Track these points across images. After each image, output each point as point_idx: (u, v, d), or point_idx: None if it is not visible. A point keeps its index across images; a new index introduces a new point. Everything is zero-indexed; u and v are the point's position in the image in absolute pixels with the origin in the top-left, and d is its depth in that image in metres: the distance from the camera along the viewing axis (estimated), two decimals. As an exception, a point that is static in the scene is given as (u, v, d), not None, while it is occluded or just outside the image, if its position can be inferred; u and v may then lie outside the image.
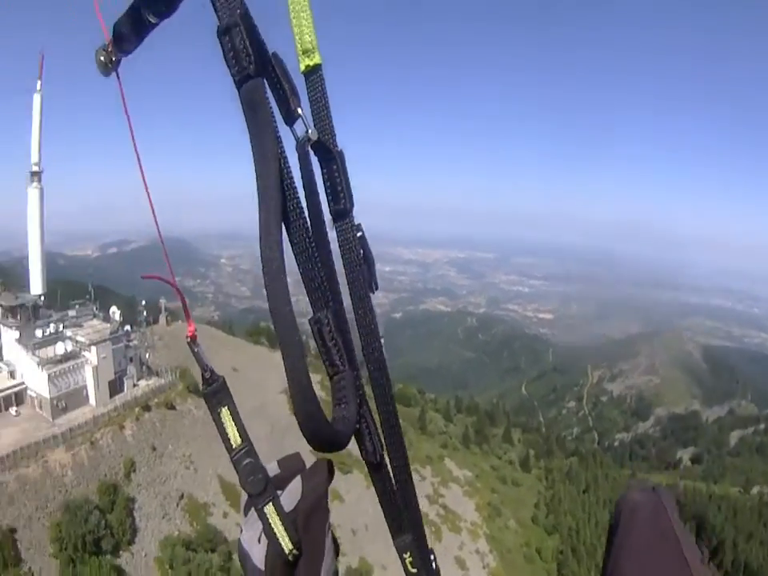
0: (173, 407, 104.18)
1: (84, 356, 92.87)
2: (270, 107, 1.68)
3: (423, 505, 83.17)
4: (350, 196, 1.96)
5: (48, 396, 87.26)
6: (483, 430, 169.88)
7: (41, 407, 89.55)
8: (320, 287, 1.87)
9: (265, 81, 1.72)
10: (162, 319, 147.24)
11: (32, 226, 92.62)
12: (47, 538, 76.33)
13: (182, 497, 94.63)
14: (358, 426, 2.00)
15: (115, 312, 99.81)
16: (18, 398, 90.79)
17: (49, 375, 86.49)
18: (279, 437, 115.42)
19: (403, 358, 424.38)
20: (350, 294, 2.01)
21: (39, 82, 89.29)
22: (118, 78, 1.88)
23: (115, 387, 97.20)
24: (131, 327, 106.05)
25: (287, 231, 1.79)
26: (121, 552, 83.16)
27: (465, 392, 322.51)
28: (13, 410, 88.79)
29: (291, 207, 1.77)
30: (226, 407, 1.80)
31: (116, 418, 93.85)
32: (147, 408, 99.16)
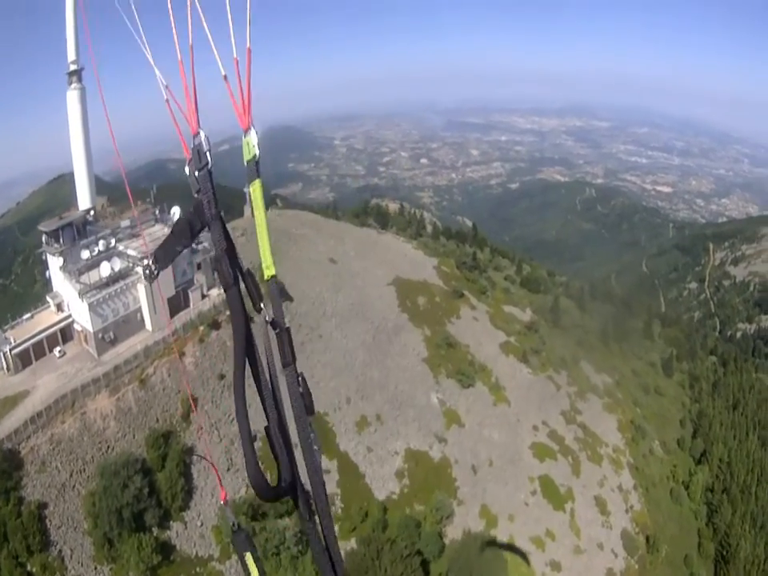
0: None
1: (137, 273, 79.53)
2: (243, 306, 3.01)
3: (559, 424, 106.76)
4: (293, 353, 3.06)
5: (91, 329, 75.28)
6: (623, 324, 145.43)
7: (87, 342, 77.81)
8: (269, 407, 3.17)
9: (241, 287, 3.14)
10: (247, 210, 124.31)
11: (74, 133, 79.89)
12: (82, 510, 65.40)
13: (254, 438, 72.59)
14: (288, 493, 3.17)
15: (176, 212, 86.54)
16: (65, 334, 78.95)
17: (90, 304, 74.23)
18: (384, 343, 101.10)
19: (520, 229, 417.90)
20: (294, 417, 3.06)
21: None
22: (158, 283, 3.93)
23: (179, 303, 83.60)
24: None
25: (252, 374, 3.24)
26: (171, 523, 70.92)
27: (582, 264, 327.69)
28: (57, 350, 77.08)
29: (254, 360, 3.22)
30: (249, 553, 2.99)
31: (175, 343, 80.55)
32: (215, 325, 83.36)
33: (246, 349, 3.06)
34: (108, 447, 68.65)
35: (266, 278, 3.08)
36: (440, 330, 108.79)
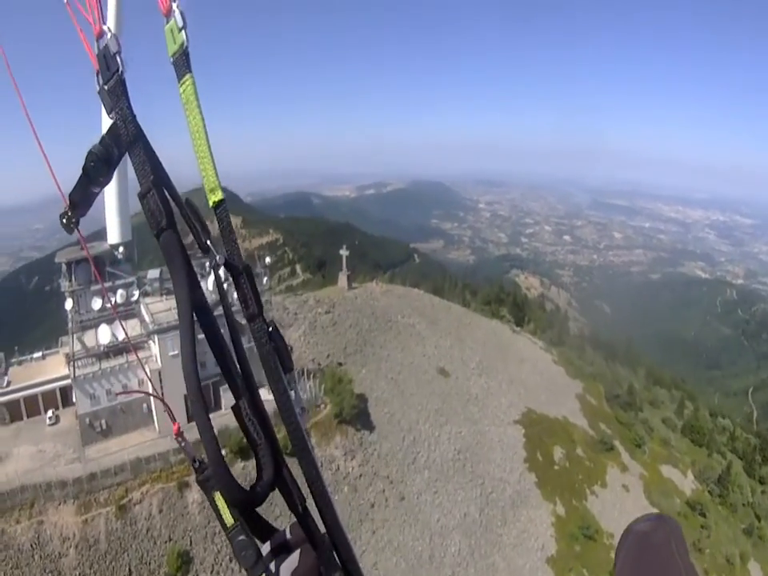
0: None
1: (147, 347, 61.20)
2: (182, 251, 2.06)
3: None
4: (258, 301, 2.19)
5: (78, 410, 58.10)
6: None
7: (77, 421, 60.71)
8: (237, 381, 2.23)
9: (182, 224, 2.18)
10: (343, 278, 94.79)
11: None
12: None
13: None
14: (275, 486, 2.23)
15: (153, 275, 66.24)
16: (66, 396, 61.87)
17: (76, 378, 56.40)
18: (495, 522, 64.75)
19: (659, 323, 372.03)
20: (266, 378, 2.18)
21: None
22: (80, 233, 2.24)
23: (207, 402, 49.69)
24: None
25: (207, 340, 2.20)
26: None
27: (718, 374, 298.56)
28: (49, 414, 60.73)
29: (207, 321, 2.18)
30: (219, 491, 2.12)
31: (180, 463, 56.34)
32: (246, 452, 55.70)
33: (196, 308, 2.12)
34: (58, 584, 49.49)
35: (210, 205, 2.18)
36: (578, 508, 71.50)
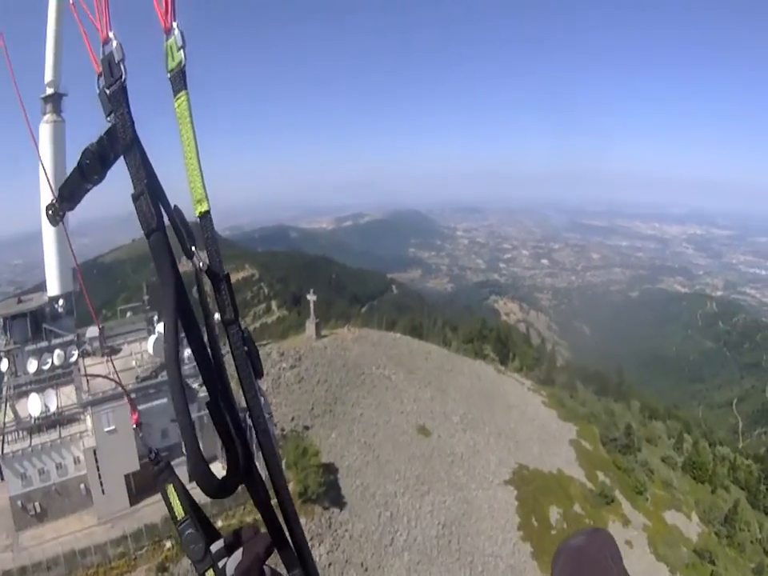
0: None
1: (82, 419, 52.27)
2: (169, 251, 2.10)
3: None
4: (235, 307, 2.27)
5: (8, 491, 49.56)
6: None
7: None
8: (212, 379, 2.25)
9: (174, 224, 2.24)
10: (311, 326, 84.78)
11: (45, 184, 49.94)
12: None
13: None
14: (242, 481, 2.27)
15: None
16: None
17: (5, 456, 48.15)
18: None
19: (641, 341, 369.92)
20: (239, 379, 2.26)
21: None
22: (65, 226, 2.38)
23: (147, 485, 52.16)
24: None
25: (187, 337, 2.21)
26: None
27: (702, 387, 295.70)
28: None
29: (188, 321, 2.19)
30: (171, 484, 2.14)
31: (119, 557, 47.75)
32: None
33: (179, 306, 2.18)
34: None
35: (196, 214, 2.24)
36: (579, 577, 61.79)
